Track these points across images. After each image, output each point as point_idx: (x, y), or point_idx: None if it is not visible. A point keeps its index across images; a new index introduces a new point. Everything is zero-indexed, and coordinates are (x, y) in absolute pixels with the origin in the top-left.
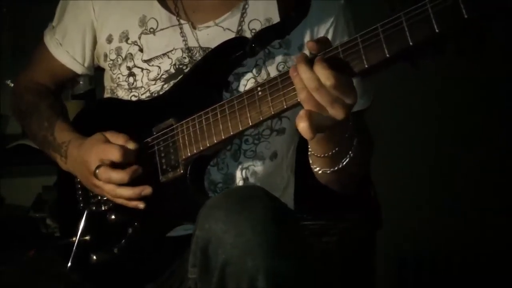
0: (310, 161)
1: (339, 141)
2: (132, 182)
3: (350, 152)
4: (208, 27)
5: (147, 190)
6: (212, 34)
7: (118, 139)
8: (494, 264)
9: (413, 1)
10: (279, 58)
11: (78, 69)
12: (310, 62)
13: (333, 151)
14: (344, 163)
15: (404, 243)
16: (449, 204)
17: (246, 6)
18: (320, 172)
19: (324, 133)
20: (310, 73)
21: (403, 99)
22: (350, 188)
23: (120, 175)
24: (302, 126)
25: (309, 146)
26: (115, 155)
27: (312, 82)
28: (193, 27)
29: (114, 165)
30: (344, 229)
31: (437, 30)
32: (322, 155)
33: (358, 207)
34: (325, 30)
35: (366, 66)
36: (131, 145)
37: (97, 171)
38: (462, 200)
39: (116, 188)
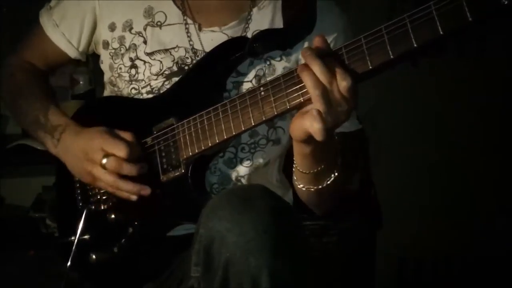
0: (295, 178)
1: (326, 158)
2: (132, 180)
3: (335, 171)
4: (213, 31)
5: (146, 190)
6: (216, 40)
7: (126, 135)
8: (494, 264)
9: (413, 1)
10: (279, 70)
11: (72, 53)
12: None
13: (319, 168)
14: (329, 182)
15: (404, 243)
16: (449, 205)
17: (252, 14)
18: (304, 189)
19: (312, 148)
20: (324, 67)
21: (403, 99)
22: (328, 208)
23: (130, 167)
24: (317, 127)
25: (294, 163)
26: (122, 151)
27: (327, 77)
28: (199, 28)
29: None
30: (344, 229)
31: (441, 32)
32: (308, 172)
33: (358, 207)
34: None
35: (370, 67)
36: (138, 149)
37: (104, 160)
38: (462, 201)
39: (119, 180)
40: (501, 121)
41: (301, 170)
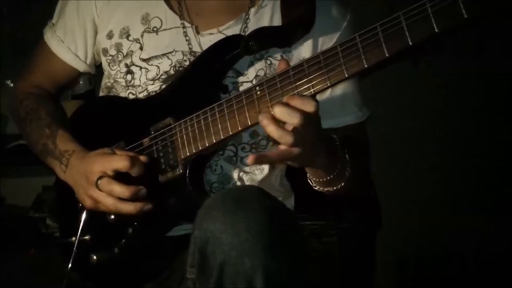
0: (311, 183)
1: (333, 170)
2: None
3: (347, 171)
4: (212, 34)
5: (148, 206)
6: (215, 41)
7: (128, 152)
8: (494, 264)
9: (413, 1)
10: None
11: (80, 66)
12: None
13: (329, 177)
14: (343, 183)
15: (403, 244)
16: (449, 204)
17: (250, 14)
18: (322, 190)
19: (317, 167)
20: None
21: (403, 99)
22: (355, 194)
23: (121, 189)
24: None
25: (307, 172)
26: (121, 163)
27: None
28: (197, 31)
29: (117, 179)
30: (344, 229)
31: (436, 30)
32: (319, 180)
33: (358, 207)
34: (326, 46)
35: (366, 66)
36: (142, 158)
37: (99, 181)
38: (462, 200)
39: (118, 202)
40: (501, 120)
41: (314, 179)
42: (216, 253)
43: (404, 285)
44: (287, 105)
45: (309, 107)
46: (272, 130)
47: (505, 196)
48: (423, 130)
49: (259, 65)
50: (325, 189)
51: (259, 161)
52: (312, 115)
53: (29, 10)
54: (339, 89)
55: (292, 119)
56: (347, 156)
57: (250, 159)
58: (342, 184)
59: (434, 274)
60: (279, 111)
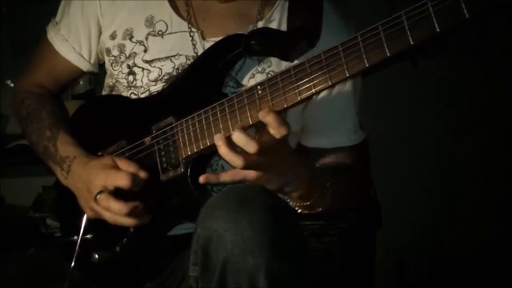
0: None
1: (311, 196)
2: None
3: (327, 196)
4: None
5: (146, 218)
6: None
7: (129, 166)
8: (494, 264)
9: (414, 1)
10: None
11: (84, 66)
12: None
13: (306, 203)
14: (321, 209)
15: (404, 243)
16: (449, 204)
17: (257, 27)
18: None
19: (298, 192)
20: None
21: (403, 99)
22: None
23: (119, 206)
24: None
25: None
26: (124, 181)
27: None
28: (202, 37)
29: (117, 192)
30: (344, 229)
31: (438, 30)
32: (296, 204)
33: (358, 207)
34: None
35: (367, 65)
36: (142, 174)
37: (98, 196)
38: (462, 200)
39: (116, 216)
40: (501, 120)
41: (291, 202)
42: (219, 251)
43: (404, 285)
44: (246, 131)
45: (281, 130)
46: (224, 152)
47: (505, 196)
48: (423, 130)
49: (261, 78)
50: (305, 211)
51: (211, 180)
52: (278, 141)
53: (29, 10)
54: (336, 108)
55: (248, 147)
56: (327, 181)
57: (201, 178)
58: (321, 208)
59: (434, 274)
60: (236, 137)
